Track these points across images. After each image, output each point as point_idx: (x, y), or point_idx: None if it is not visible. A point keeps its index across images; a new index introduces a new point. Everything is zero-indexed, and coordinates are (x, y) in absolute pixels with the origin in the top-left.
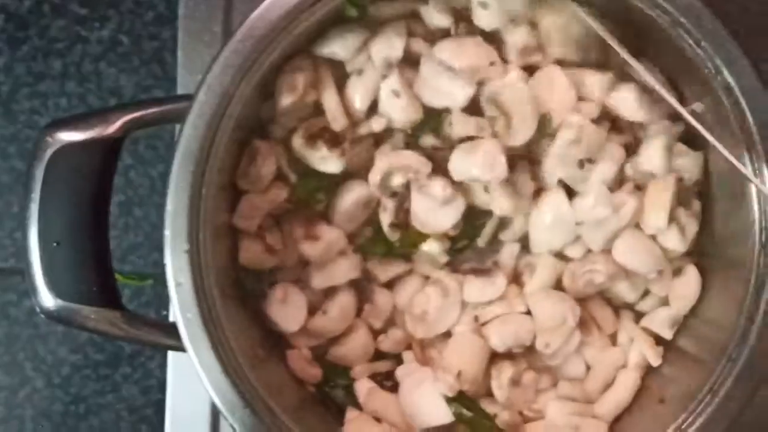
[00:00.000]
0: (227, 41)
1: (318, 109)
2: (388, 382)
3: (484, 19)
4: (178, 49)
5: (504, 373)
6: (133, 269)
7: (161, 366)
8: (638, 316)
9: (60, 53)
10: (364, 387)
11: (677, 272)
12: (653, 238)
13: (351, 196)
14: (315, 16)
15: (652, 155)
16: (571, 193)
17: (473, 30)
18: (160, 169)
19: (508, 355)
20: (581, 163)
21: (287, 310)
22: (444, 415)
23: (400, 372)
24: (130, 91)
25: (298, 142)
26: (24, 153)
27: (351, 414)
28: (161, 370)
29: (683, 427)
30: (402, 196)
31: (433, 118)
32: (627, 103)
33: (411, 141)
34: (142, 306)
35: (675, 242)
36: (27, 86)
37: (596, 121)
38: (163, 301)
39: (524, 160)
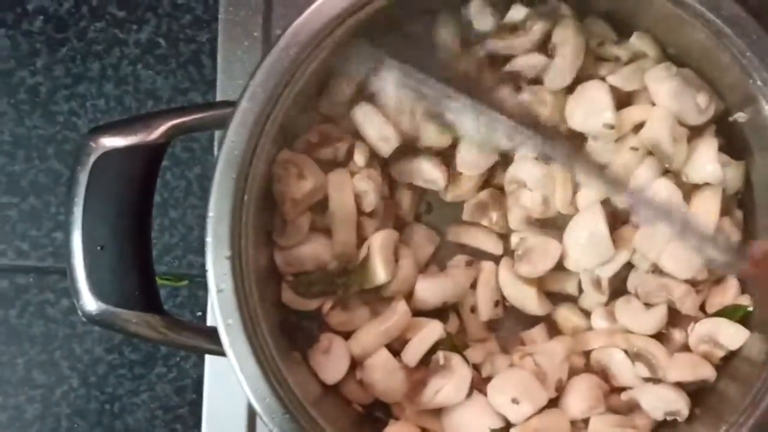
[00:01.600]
0: (271, 48)
1: None
2: None
3: None
4: (218, 53)
5: None
6: (168, 270)
7: (196, 366)
8: None
9: (98, 55)
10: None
11: (716, 282)
12: None
13: None
14: (358, 23)
15: (701, 164)
16: None
17: None
18: (196, 171)
19: None
20: None
21: (329, 362)
22: None
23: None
24: (167, 94)
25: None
26: (62, 154)
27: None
28: (196, 370)
29: None
30: None
31: None
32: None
33: None
34: (177, 307)
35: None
36: (65, 88)
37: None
38: (198, 302)
39: None
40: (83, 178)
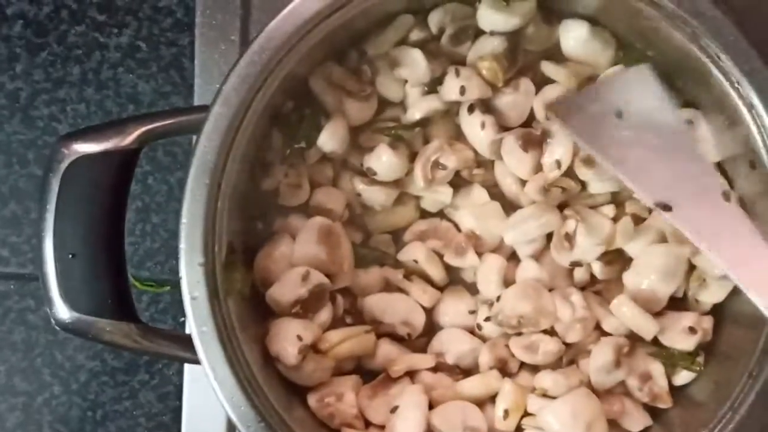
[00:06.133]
0: (244, 52)
1: None
2: None
3: None
4: (195, 58)
5: None
6: (150, 276)
7: (179, 373)
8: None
9: (78, 59)
10: None
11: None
12: None
13: None
14: (332, 27)
15: None
16: None
17: None
18: (178, 175)
19: None
20: None
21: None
22: None
23: None
24: (148, 98)
25: None
26: (42, 159)
27: None
28: (179, 377)
29: None
30: None
31: None
32: None
33: None
34: (160, 313)
35: None
36: (45, 92)
37: None
38: (181, 307)
39: None
40: (55, 185)
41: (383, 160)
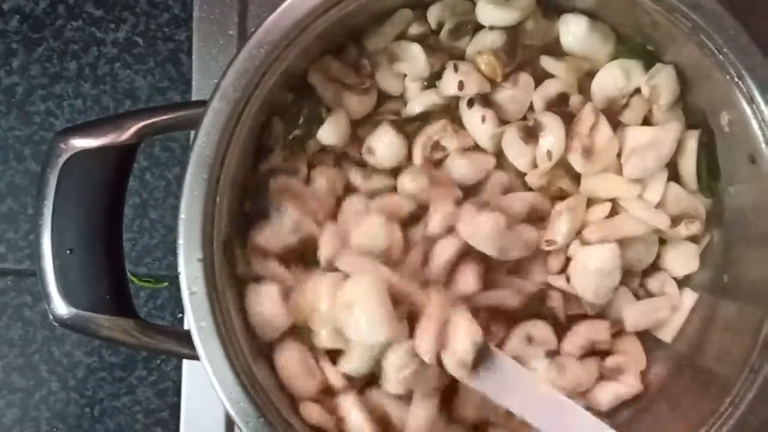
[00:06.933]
0: (242, 46)
1: None
2: None
3: None
4: (193, 52)
5: None
6: (148, 272)
7: (177, 369)
8: None
9: (75, 55)
10: None
11: None
12: None
13: None
14: (330, 21)
15: None
16: None
17: None
18: (175, 171)
19: None
20: None
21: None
22: None
23: None
24: (145, 93)
25: None
26: (39, 155)
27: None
28: (177, 372)
29: None
30: None
31: None
32: None
33: None
34: (157, 309)
35: None
36: (42, 88)
37: None
38: (179, 303)
39: None
40: (53, 180)
41: (385, 141)
